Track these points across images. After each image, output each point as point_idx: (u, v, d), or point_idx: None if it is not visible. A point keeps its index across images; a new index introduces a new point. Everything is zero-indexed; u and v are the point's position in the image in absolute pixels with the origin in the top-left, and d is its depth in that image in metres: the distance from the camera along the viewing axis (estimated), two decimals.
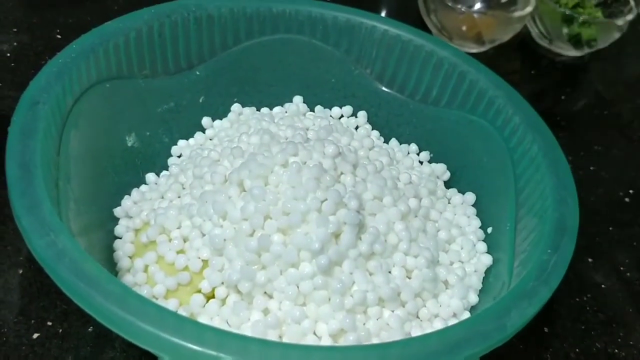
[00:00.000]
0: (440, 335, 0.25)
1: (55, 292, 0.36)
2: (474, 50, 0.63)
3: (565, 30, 0.64)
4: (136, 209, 0.36)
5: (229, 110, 0.44)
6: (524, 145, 0.37)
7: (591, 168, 0.54)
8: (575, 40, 0.64)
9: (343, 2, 0.44)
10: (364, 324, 0.31)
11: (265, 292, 0.31)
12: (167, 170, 0.41)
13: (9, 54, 0.52)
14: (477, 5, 0.65)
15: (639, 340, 0.41)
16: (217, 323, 0.31)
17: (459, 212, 0.40)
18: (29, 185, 0.27)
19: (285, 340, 0.30)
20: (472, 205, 0.40)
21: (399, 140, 0.45)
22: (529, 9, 0.60)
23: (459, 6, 0.59)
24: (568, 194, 0.33)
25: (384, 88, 0.44)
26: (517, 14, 0.60)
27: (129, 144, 0.39)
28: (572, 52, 0.66)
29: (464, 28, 0.60)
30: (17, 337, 0.34)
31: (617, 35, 0.63)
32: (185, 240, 0.34)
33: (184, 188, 0.38)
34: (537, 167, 0.35)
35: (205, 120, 0.43)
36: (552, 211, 0.32)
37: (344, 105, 0.46)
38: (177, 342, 0.22)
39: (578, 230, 0.32)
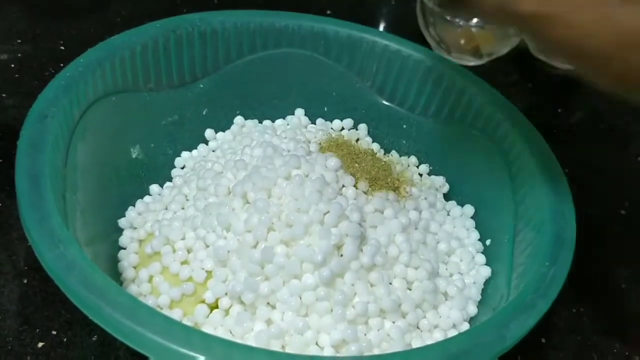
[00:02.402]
0: (441, 346, 0.26)
1: (59, 301, 0.36)
2: (472, 64, 0.63)
3: None
4: (140, 220, 0.37)
5: (232, 123, 0.45)
6: (521, 159, 0.37)
7: (587, 181, 0.55)
8: None
9: (344, 18, 0.45)
10: (366, 335, 0.31)
11: (268, 303, 0.32)
12: (171, 181, 0.41)
13: (12, 65, 0.53)
14: (475, 19, 0.66)
15: (634, 352, 0.41)
16: (220, 333, 0.31)
17: (458, 224, 0.40)
18: (39, 198, 0.27)
19: (288, 350, 0.31)
20: (471, 218, 0.41)
21: (399, 153, 0.45)
22: None
23: (457, 20, 0.60)
24: (565, 207, 0.34)
25: (384, 101, 0.45)
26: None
27: (134, 156, 0.40)
28: (569, 66, 0.67)
29: (462, 42, 0.61)
30: (21, 346, 0.34)
31: None
32: (189, 252, 0.34)
33: (187, 199, 0.38)
34: (535, 180, 0.36)
35: (209, 133, 0.44)
36: (550, 224, 0.33)
37: (345, 118, 0.46)
38: (185, 353, 0.23)
39: (575, 242, 0.32)
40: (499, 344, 0.26)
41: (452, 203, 0.42)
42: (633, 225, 0.51)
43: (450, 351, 0.25)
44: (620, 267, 0.47)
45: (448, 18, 0.60)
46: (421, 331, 0.33)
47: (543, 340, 0.41)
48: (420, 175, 0.44)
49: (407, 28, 0.69)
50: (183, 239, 0.35)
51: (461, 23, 0.60)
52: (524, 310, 0.28)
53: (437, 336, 0.33)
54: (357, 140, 0.45)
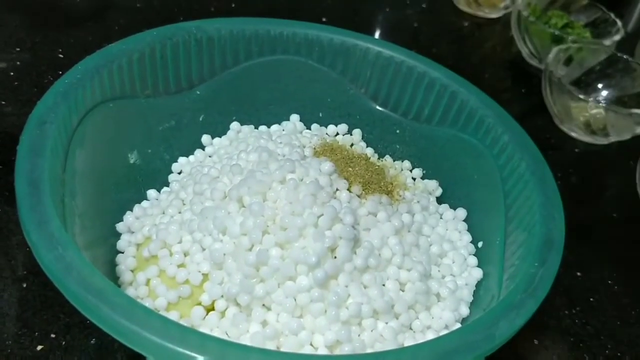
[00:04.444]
0: (431, 345, 0.27)
1: (58, 305, 0.37)
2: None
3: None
4: (138, 224, 0.37)
5: (228, 128, 0.45)
6: (512, 163, 0.38)
7: (580, 184, 0.56)
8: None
9: (340, 25, 0.45)
10: (359, 336, 0.32)
11: (263, 305, 0.32)
12: (168, 186, 0.42)
13: (12, 73, 0.54)
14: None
15: (626, 352, 0.42)
16: (216, 334, 0.32)
17: (451, 227, 0.41)
18: (38, 201, 0.28)
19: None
20: (463, 221, 0.41)
21: (392, 158, 0.46)
22: None
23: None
24: (555, 209, 0.34)
25: (378, 107, 0.46)
26: None
27: (131, 161, 0.40)
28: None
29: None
30: (21, 349, 0.35)
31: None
32: (186, 255, 0.35)
33: (184, 204, 0.39)
34: (525, 183, 0.36)
35: (205, 138, 0.44)
36: (540, 226, 0.33)
37: (340, 124, 0.47)
38: (180, 351, 0.23)
39: (567, 245, 0.33)
40: (488, 343, 0.26)
41: (445, 206, 0.43)
42: (625, 228, 0.52)
43: (440, 349, 0.26)
44: (612, 269, 0.48)
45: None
46: (414, 332, 0.34)
47: (536, 342, 0.41)
48: (414, 179, 0.45)
49: (401, 34, 0.70)
50: (180, 242, 0.35)
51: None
52: (512, 309, 0.28)
53: (430, 337, 0.33)
54: (352, 145, 0.46)
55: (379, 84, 0.45)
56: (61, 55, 0.57)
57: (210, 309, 0.33)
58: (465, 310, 0.36)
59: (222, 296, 0.33)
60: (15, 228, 0.41)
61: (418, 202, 0.40)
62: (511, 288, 0.30)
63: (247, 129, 0.45)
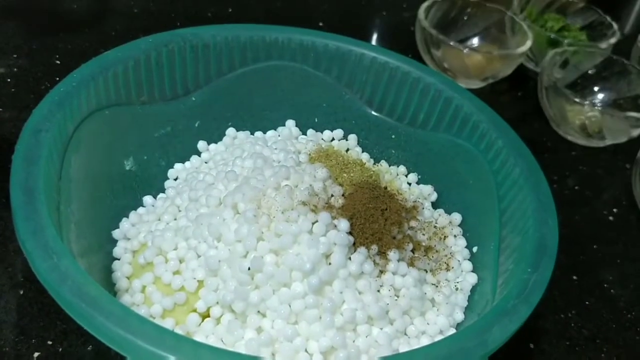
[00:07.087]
0: (425, 351, 0.27)
1: (55, 312, 0.37)
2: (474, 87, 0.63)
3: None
4: (134, 231, 0.38)
5: (224, 134, 0.45)
6: (506, 168, 0.38)
7: (576, 187, 0.56)
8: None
9: (337, 29, 0.45)
10: (354, 341, 0.32)
11: (258, 311, 0.32)
12: (164, 193, 0.42)
13: (9, 79, 0.54)
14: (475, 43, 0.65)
15: (622, 355, 0.42)
16: (212, 341, 0.32)
17: (446, 232, 0.41)
18: (33, 210, 0.28)
19: (278, 358, 0.31)
20: (459, 225, 0.42)
21: (388, 163, 0.46)
22: (523, 48, 0.61)
23: (459, 44, 0.60)
24: (548, 214, 0.34)
25: (373, 112, 0.46)
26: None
27: (127, 168, 0.40)
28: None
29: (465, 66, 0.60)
30: (18, 357, 0.35)
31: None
32: (181, 262, 0.35)
33: (180, 210, 0.39)
34: (520, 188, 0.36)
35: (201, 144, 0.45)
36: (533, 231, 0.33)
37: (335, 129, 0.47)
38: None
39: (563, 248, 0.33)
40: (481, 349, 0.26)
41: (440, 211, 0.43)
42: (620, 231, 0.52)
43: (433, 355, 0.26)
44: (608, 272, 0.48)
45: (451, 43, 0.59)
46: (409, 337, 0.34)
47: (531, 346, 0.41)
48: (409, 184, 0.45)
49: (398, 39, 0.71)
50: (175, 249, 0.35)
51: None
52: (506, 315, 0.28)
53: (425, 342, 0.34)
54: (347, 150, 0.46)
55: (374, 89, 0.45)
56: (58, 62, 0.57)
57: (205, 315, 0.33)
58: (460, 316, 0.36)
59: (217, 303, 0.33)
60: (12, 235, 0.41)
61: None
62: (504, 294, 0.30)
63: (243, 134, 0.45)
